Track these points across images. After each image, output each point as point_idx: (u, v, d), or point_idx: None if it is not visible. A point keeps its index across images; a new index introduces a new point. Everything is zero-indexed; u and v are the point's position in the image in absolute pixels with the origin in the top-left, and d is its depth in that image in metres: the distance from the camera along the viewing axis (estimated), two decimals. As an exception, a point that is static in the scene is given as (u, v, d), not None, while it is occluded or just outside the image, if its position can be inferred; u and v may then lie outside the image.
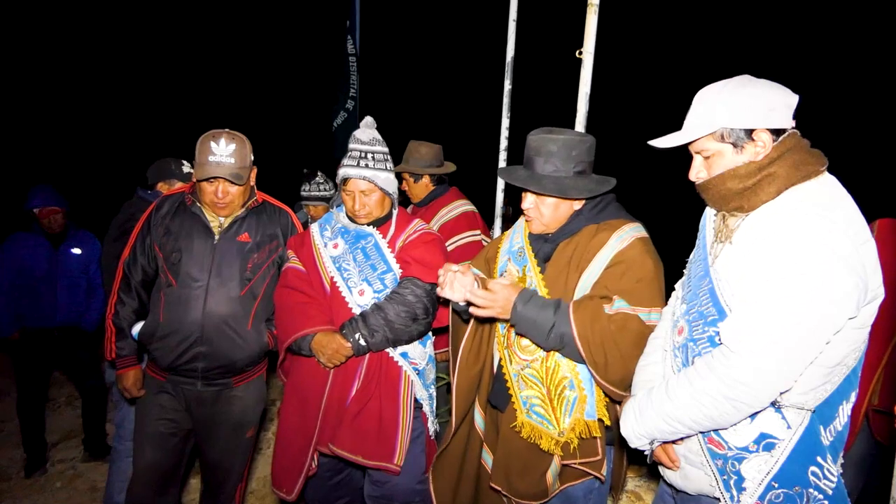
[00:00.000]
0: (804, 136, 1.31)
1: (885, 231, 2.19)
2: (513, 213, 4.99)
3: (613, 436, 1.70)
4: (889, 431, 2.14)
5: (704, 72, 1.85)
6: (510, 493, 1.72)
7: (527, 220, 1.82)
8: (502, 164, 3.03)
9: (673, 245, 2.17)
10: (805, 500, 1.22)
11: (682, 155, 1.42)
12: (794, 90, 1.28)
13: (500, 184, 3.04)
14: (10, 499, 3.30)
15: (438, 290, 1.71)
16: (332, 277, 2.08)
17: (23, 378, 3.52)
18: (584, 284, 1.66)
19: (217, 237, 2.14)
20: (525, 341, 1.70)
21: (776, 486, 1.23)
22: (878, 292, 1.20)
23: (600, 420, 1.65)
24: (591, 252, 1.66)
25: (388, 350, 2.03)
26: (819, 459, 1.22)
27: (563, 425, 1.65)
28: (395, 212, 2.17)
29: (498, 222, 3.22)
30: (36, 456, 3.57)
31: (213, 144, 2.03)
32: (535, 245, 1.82)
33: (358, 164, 2.04)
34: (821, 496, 1.22)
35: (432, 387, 2.19)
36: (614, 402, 1.65)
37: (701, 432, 1.31)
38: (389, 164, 2.12)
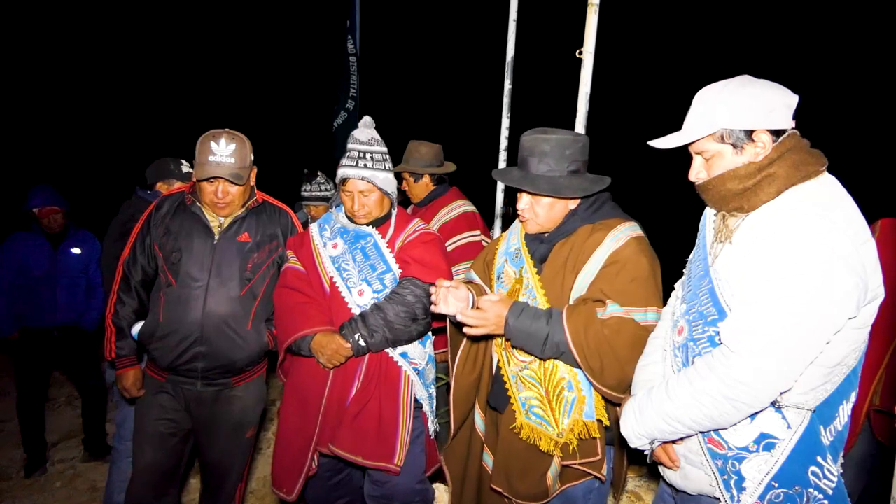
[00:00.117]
0: (804, 136, 1.30)
1: (886, 231, 2.19)
2: (513, 213, 4.98)
3: (613, 436, 1.69)
4: (890, 432, 2.14)
5: (704, 72, 1.85)
6: (511, 495, 1.72)
7: (522, 221, 1.82)
8: (502, 164, 3.03)
9: (673, 245, 2.17)
10: (805, 499, 1.22)
11: (682, 155, 1.41)
12: (794, 90, 1.28)
13: (500, 184, 3.04)
14: (10, 499, 3.30)
15: (433, 306, 1.72)
16: (331, 278, 2.08)
17: (23, 378, 3.52)
18: (581, 285, 1.65)
19: (217, 237, 2.13)
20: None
21: (776, 485, 1.23)
22: (878, 292, 1.20)
23: (599, 421, 1.65)
24: (586, 252, 1.66)
25: (387, 350, 2.03)
26: (819, 459, 1.22)
27: (561, 426, 1.64)
28: (394, 212, 2.17)
29: (498, 222, 3.22)
30: (36, 456, 3.57)
31: (213, 144, 2.03)
32: (531, 246, 1.82)
33: (356, 165, 2.04)
34: (821, 496, 1.22)
35: (432, 387, 2.19)
36: (613, 405, 1.65)
37: (701, 432, 1.31)
38: (388, 164, 2.11)
